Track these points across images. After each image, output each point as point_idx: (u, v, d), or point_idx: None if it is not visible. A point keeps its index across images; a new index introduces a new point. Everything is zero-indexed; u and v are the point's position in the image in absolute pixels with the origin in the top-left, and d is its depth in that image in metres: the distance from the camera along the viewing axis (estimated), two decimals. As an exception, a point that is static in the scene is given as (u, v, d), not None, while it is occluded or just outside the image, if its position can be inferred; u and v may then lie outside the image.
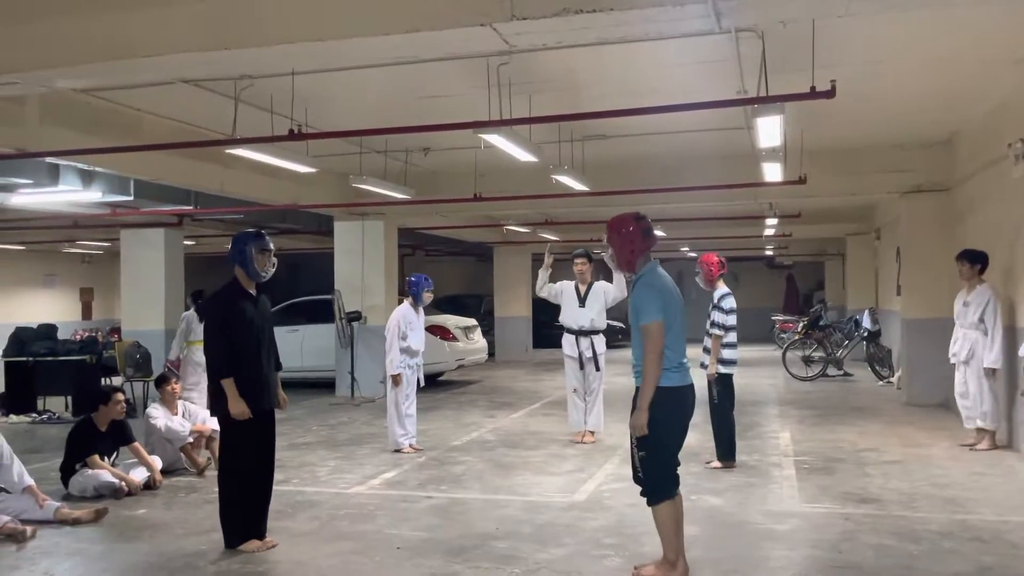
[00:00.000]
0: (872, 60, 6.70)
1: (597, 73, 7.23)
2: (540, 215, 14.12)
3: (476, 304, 20.58)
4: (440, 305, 18.67)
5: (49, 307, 21.81)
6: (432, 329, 13.02)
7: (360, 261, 12.64)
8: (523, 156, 7.58)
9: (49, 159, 8.04)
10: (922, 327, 10.04)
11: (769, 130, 6.41)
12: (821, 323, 14.18)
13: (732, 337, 6.83)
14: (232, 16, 4.52)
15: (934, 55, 6.63)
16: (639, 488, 4.24)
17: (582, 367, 8.19)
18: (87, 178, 9.81)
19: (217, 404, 4.94)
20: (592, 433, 8.20)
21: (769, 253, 22.95)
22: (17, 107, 6.77)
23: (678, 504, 4.20)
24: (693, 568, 4.25)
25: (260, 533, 4.90)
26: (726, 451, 6.87)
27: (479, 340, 14.27)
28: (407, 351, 7.92)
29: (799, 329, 14.23)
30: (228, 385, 4.80)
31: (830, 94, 5.40)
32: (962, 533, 4.90)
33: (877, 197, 12.63)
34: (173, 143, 7.47)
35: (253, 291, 5.09)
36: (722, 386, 6.86)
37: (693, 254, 23.82)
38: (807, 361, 13.72)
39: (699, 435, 7.27)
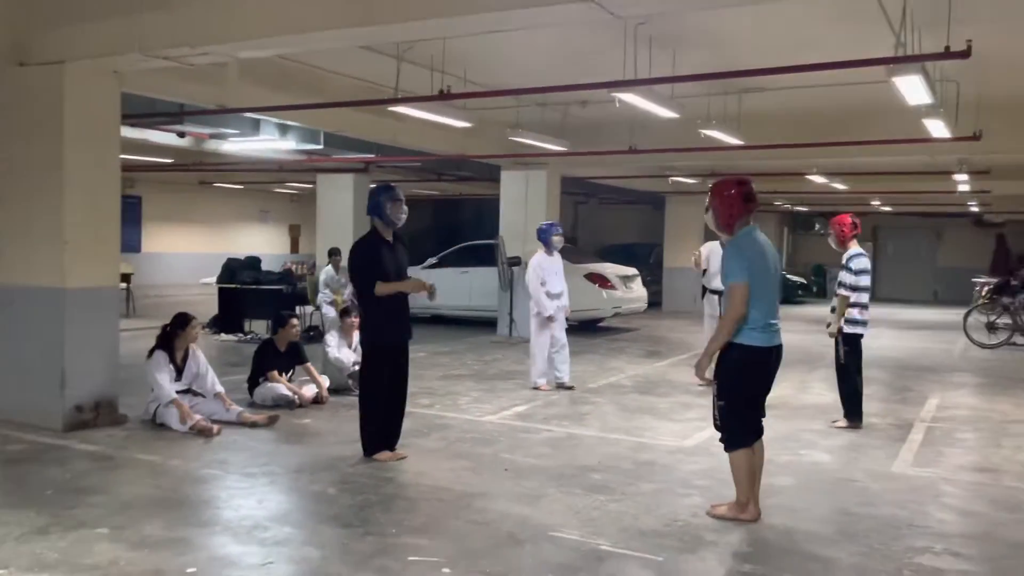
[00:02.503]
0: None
1: (742, 29, 7.25)
2: (706, 167, 14.03)
3: (646, 253, 20.69)
4: (609, 253, 19.05)
5: (263, 240, 24.49)
6: (591, 277, 13.51)
7: (524, 209, 13.27)
8: (663, 113, 7.76)
9: (247, 114, 9.25)
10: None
11: (911, 89, 6.20)
12: (1012, 287, 13.13)
13: (862, 298, 6.77)
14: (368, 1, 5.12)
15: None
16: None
17: None
18: (283, 129, 11.10)
19: (364, 332, 5.76)
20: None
21: (975, 209, 21.13)
22: (218, 68, 7.85)
23: (756, 453, 4.48)
24: (769, 513, 4.53)
25: (391, 445, 5.68)
26: (849, 411, 6.88)
27: (638, 289, 14.54)
28: (548, 295, 8.42)
29: (983, 293, 13.25)
30: (385, 286, 5.50)
31: (965, 55, 5.22)
32: (1067, 509, 4.79)
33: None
34: (344, 102, 8.31)
35: (390, 238, 5.76)
36: (849, 347, 6.84)
37: (887, 208, 22.48)
38: (991, 328, 12.82)
39: (833, 394, 7.31)
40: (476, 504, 4.70)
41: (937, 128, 8.16)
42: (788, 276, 22.41)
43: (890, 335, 14.86)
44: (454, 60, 8.19)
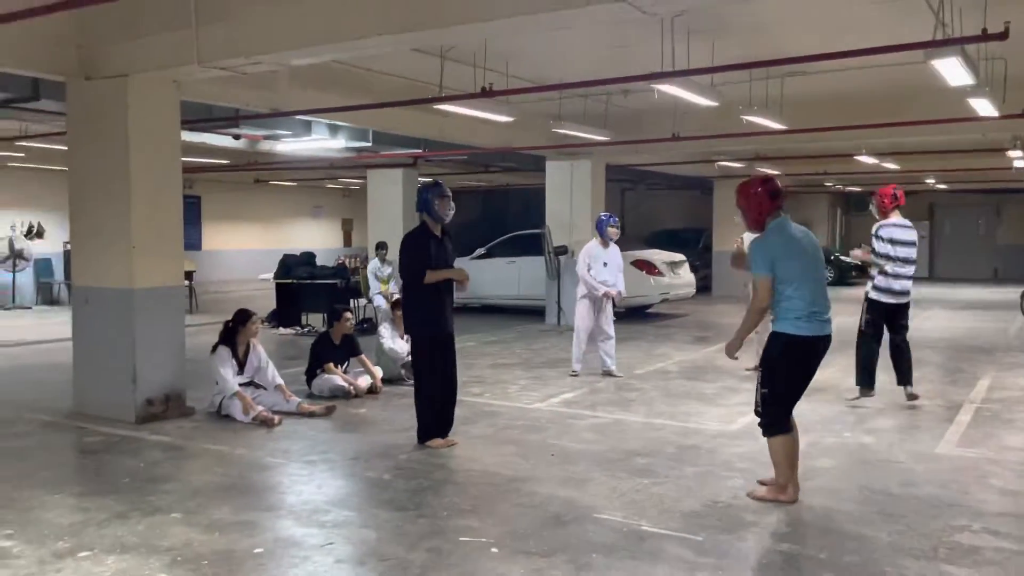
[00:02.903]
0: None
1: (781, 14, 7.27)
2: (751, 151, 13.97)
3: (695, 238, 20.64)
4: (657, 239, 19.06)
5: (316, 235, 25.03)
6: (638, 264, 13.61)
7: (568, 198, 13.42)
8: (702, 102, 7.83)
9: (298, 116, 9.57)
10: None
11: (951, 71, 6.18)
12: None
13: (890, 267, 6.77)
14: (416, 5, 5.31)
15: None
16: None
17: None
18: (333, 129, 11.43)
19: (411, 324, 6.00)
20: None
21: (1035, 184, 20.56)
22: (270, 75, 8.17)
23: (793, 437, 4.60)
24: (810, 494, 4.66)
25: (444, 433, 5.92)
26: (860, 378, 6.94)
27: (686, 275, 14.58)
28: (590, 288, 8.60)
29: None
30: (434, 274, 5.75)
31: (1003, 36, 5.22)
32: (1114, 489, 4.80)
33: None
34: (391, 102, 8.56)
35: (438, 233, 5.99)
36: (871, 314, 6.90)
37: (943, 186, 22.00)
38: (1049, 306, 12.57)
39: (881, 376, 7.31)
40: (524, 488, 4.91)
41: (984, 107, 8.06)
42: (842, 258, 22.10)
43: (945, 315, 14.63)
44: (496, 56, 8.37)
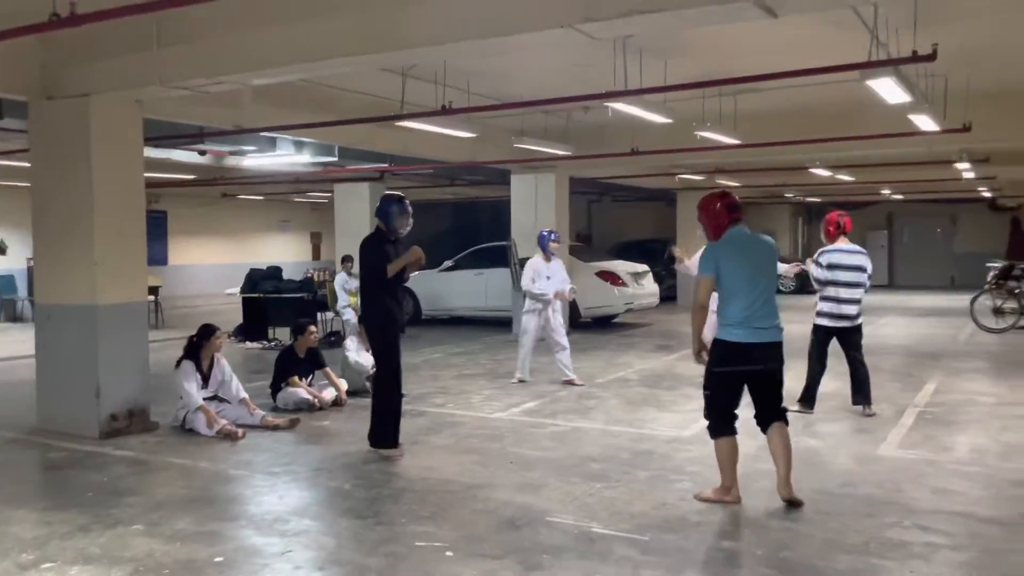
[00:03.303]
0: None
1: (728, 35, 7.53)
2: (710, 164, 14.30)
3: (660, 249, 20.92)
4: (623, 250, 19.35)
5: (284, 249, 25.03)
6: (602, 275, 13.88)
7: (534, 211, 13.64)
8: (655, 119, 8.08)
9: (262, 133, 9.69)
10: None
11: (887, 90, 6.48)
12: (1014, 273, 13.27)
13: (830, 291, 7.03)
14: (376, 27, 5.47)
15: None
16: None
17: None
18: (298, 144, 11.55)
19: (371, 318, 6.08)
20: None
21: (987, 195, 21.20)
22: (234, 92, 8.26)
23: (734, 442, 4.81)
24: (755, 496, 4.87)
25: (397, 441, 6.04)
26: (802, 394, 7.21)
27: (649, 285, 14.86)
28: (533, 296, 8.93)
29: (989, 279, 13.42)
30: (395, 264, 5.85)
31: (931, 58, 5.51)
32: (1039, 485, 5.07)
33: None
34: (353, 119, 8.71)
35: (392, 239, 6.14)
36: (815, 336, 7.20)
37: (899, 196, 22.57)
38: (997, 312, 12.99)
39: (834, 383, 7.58)
40: (481, 494, 5.07)
41: (924, 122, 8.40)
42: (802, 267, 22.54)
43: (901, 322, 15.07)
44: (458, 74, 8.56)
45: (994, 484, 5.13)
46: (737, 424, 4.85)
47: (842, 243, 7.14)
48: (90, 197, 6.62)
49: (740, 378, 4.79)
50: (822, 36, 7.36)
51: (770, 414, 4.82)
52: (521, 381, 8.97)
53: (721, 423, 4.79)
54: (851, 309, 7.04)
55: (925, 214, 25.31)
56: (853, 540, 4.20)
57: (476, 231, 21.74)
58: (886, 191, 20.70)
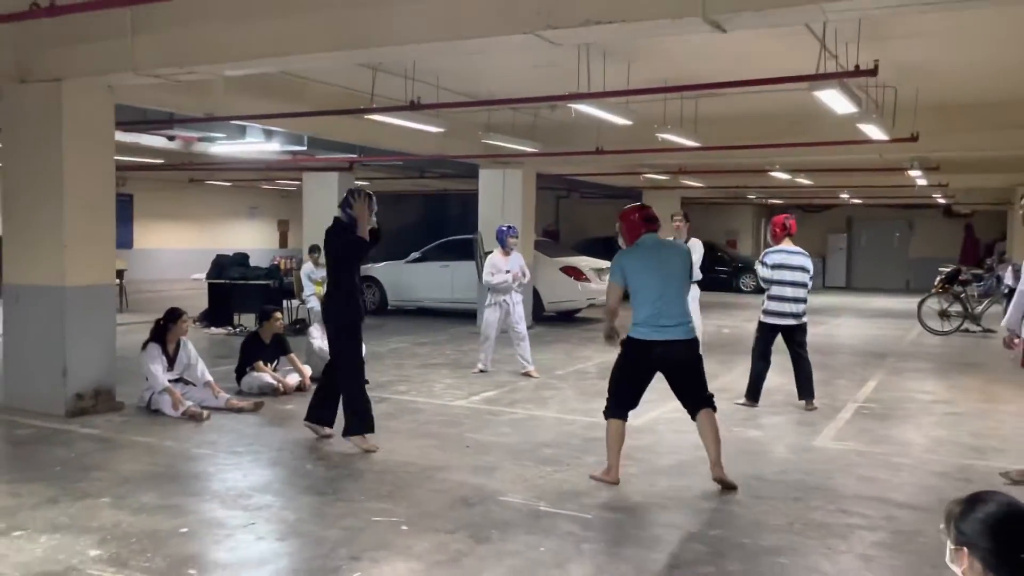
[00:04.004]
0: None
1: (689, 43, 7.82)
2: (674, 165, 14.66)
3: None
4: (590, 246, 19.67)
5: (252, 235, 25.02)
6: (566, 270, 14.19)
7: (501, 205, 13.89)
8: (617, 120, 8.37)
9: (233, 121, 9.82)
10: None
11: (834, 101, 6.83)
12: (960, 278, 13.82)
13: (775, 290, 7.38)
14: (345, 25, 5.68)
15: None
16: None
17: None
18: (268, 133, 11.67)
19: (337, 313, 6.10)
20: None
21: (941, 201, 21.88)
22: (205, 81, 8.41)
23: (621, 426, 5.19)
24: (696, 478, 5.20)
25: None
26: (748, 390, 7.57)
27: (612, 281, 15.17)
28: (494, 289, 9.20)
29: (936, 283, 13.95)
30: (363, 229, 5.91)
31: (873, 72, 5.85)
32: (956, 474, 5.45)
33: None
34: (323, 111, 8.91)
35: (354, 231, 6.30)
36: (759, 333, 7.56)
37: (856, 200, 23.19)
38: (943, 315, 13.52)
39: (779, 378, 7.92)
40: (438, 476, 5.33)
41: (873, 131, 8.79)
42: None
43: (854, 323, 15.59)
44: (427, 70, 8.78)
45: (916, 474, 5.51)
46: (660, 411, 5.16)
47: (786, 244, 7.49)
48: (60, 180, 6.74)
49: (643, 372, 5.15)
50: (779, 46, 7.68)
51: (695, 401, 5.15)
52: (482, 371, 9.24)
53: (615, 407, 5.20)
54: (797, 307, 7.38)
55: (883, 219, 26.01)
56: (779, 521, 4.52)
57: (446, 223, 21.97)
58: (845, 195, 21.26)
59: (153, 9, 5.90)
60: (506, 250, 9.30)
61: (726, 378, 8.80)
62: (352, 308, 6.09)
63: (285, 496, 4.94)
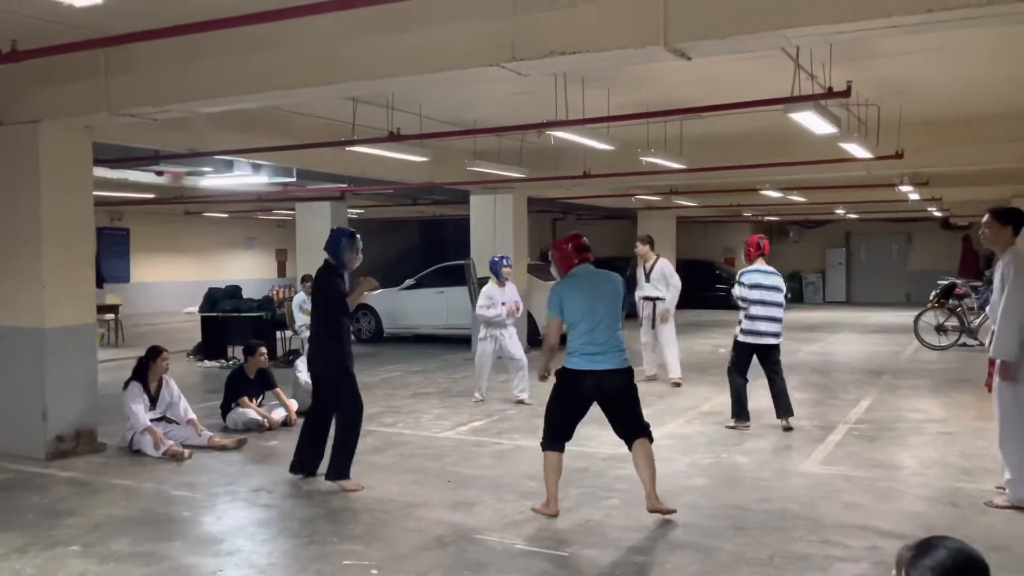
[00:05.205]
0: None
1: (667, 67, 7.82)
2: (665, 186, 14.64)
3: (623, 267, 21.26)
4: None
5: (249, 266, 25.05)
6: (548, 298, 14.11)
7: (492, 230, 13.87)
8: (599, 146, 8.36)
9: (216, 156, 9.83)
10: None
11: (812, 122, 6.80)
12: (957, 291, 13.72)
13: (754, 310, 7.37)
14: (317, 61, 5.68)
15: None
16: None
17: (653, 326, 10.05)
18: (256, 166, 11.68)
19: (338, 361, 5.95)
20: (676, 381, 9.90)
21: (938, 214, 21.81)
22: (186, 117, 8.43)
23: (558, 458, 5.13)
24: (678, 509, 5.08)
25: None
26: (734, 409, 7.53)
27: (607, 303, 15.10)
28: (488, 323, 9.09)
29: (931, 297, 13.85)
30: (352, 297, 5.94)
31: (846, 94, 5.82)
32: (944, 499, 5.35)
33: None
34: (305, 144, 8.91)
35: (342, 272, 6.29)
36: (735, 352, 7.55)
37: (853, 216, 23.14)
38: (940, 330, 13.41)
39: (768, 399, 7.84)
40: (415, 513, 5.25)
41: (856, 150, 8.75)
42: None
43: (852, 339, 15.49)
44: (408, 100, 8.79)
45: (903, 499, 5.41)
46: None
47: (760, 264, 7.52)
48: (38, 222, 6.73)
49: (577, 403, 5.10)
50: (758, 67, 7.65)
51: (630, 432, 5.10)
52: (480, 400, 9.13)
53: (551, 439, 5.14)
54: (773, 327, 7.40)
55: (881, 233, 25.90)
56: (758, 554, 4.43)
57: (443, 248, 21.92)
58: (840, 211, 21.20)
59: (126, 50, 5.92)
60: (500, 280, 9.19)
61: (718, 399, 8.69)
62: (347, 354, 6.01)
63: (258, 539, 4.86)
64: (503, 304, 9.10)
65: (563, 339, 5.26)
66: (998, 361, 5.02)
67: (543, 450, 5.18)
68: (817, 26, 4.18)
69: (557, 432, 5.15)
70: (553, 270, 5.35)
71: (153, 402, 7.11)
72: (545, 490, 5.16)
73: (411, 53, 5.35)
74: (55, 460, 6.66)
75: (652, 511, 4.98)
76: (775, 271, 7.57)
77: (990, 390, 5.25)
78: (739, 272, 7.62)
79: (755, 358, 7.51)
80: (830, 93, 5.93)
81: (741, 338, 7.46)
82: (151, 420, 6.95)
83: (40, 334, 6.77)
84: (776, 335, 7.42)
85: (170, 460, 6.65)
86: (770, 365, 7.45)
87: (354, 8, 4.48)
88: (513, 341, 9.16)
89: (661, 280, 10.20)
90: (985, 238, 5.24)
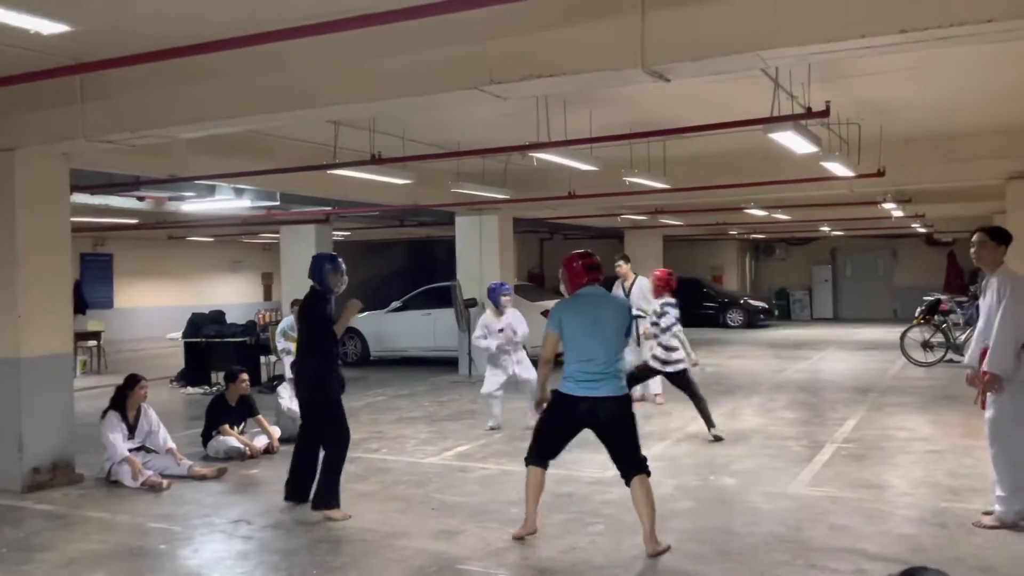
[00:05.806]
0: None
1: (647, 88, 7.84)
2: (650, 205, 14.66)
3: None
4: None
5: (236, 290, 24.90)
6: (546, 313, 13.98)
7: (479, 252, 13.84)
8: (581, 167, 8.35)
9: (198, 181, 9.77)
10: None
11: (792, 142, 6.81)
12: (942, 307, 13.75)
13: (668, 338, 8.02)
14: (294, 86, 5.65)
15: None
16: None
17: (639, 344, 9.68)
18: (238, 190, 11.62)
19: (322, 386, 5.96)
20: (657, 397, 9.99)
21: (922, 230, 21.96)
22: (166, 140, 8.37)
23: (540, 475, 5.09)
24: (663, 534, 4.98)
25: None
26: (707, 423, 7.98)
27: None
28: (491, 356, 8.86)
29: (917, 314, 13.88)
30: (339, 325, 5.91)
31: (825, 114, 5.83)
32: (931, 519, 5.31)
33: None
34: (287, 168, 8.87)
35: (329, 296, 6.23)
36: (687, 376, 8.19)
37: (838, 232, 23.27)
38: (926, 346, 13.42)
39: (758, 419, 7.81)
40: (397, 543, 5.15)
41: (838, 168, 8.79)
42: (750, 301, 23.07)
43: (838, 356, 15.48)
44: (391, 122, 8.77)
45: (890, 520, 5.35)
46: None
47: (668, 298, 8.11)
48: (13, 251, 6.65)
49: (567, 426, 5.03)
50: (738, 88, 7.68)
51: (627, 467, 4.92)
52: (493, 428, 8.84)
53: (536, 455, 5.11)
54: (680, 354, 8.03)
55: (867, 249, 26.03)
56: (745, 580, 4.37)
57: (431, 269, 21.87)
58: (825, 228, 21.30)
59: (101, 76, 5.87)
60: (499, 309, 8.83)
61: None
62: (337, 380, 5.97)
63: (235, 573, 4.75)
64: (500, 331, 8.80)
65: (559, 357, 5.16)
66: (988, 375, 4.98)
67: (526, 465, 5.14)
68: (792, 48, 4.18)
69: (543, 450, 5.11)
70: (562, 287, 5.24)
71: (131, 431, 7.00)
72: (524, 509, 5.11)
73: (389, 78, 5.33)
74: (31, 492, 6.53)
75: (651, 555, 4.75)
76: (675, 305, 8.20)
77: (983, 407, 5.19)
78: (659, 304, 8.16)
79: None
80: (809, 113, 5.95)
81: (653, 364, 8.18)
82: (129, 450, 6.84)
83: (15, 364, 6.66)
84: (681, 362, 8.09)
85: (148, 491, 6.53)
86: (683, 386, 8.15)
87: (331, 33, 4.46)
88: (523, 365, 8.82)
89: (642, 298, 10.10)
90: (978, 256, 5.20)
